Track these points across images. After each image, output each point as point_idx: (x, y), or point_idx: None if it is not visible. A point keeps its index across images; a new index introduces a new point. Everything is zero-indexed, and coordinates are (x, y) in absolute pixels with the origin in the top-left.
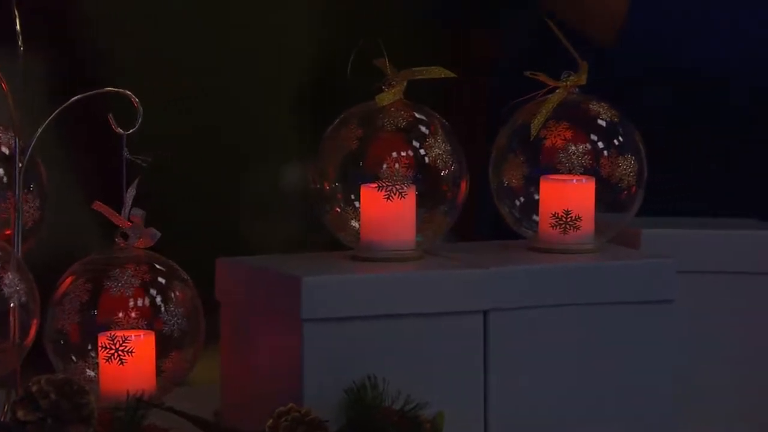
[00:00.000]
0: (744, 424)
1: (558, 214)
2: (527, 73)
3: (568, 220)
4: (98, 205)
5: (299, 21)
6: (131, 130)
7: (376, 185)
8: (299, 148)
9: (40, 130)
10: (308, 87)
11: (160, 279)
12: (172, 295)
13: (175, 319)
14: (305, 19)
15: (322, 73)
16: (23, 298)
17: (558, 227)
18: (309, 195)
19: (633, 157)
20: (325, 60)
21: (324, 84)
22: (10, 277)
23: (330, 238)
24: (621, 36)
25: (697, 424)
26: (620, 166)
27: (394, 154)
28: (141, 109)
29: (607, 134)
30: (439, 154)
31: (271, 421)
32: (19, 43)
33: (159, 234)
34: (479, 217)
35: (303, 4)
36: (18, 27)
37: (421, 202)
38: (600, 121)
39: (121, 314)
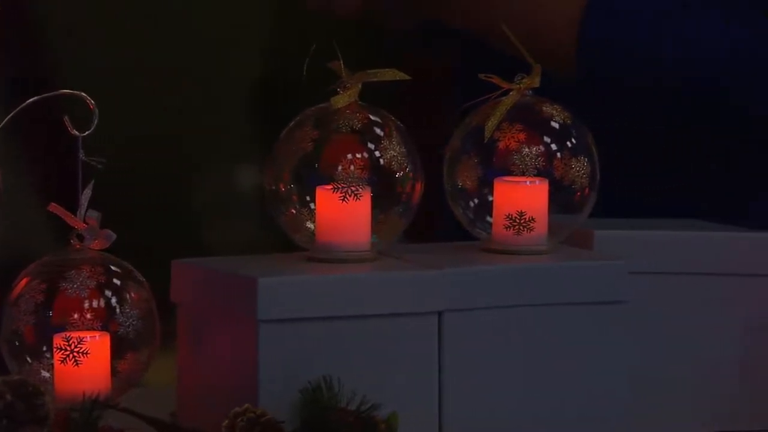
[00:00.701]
0: (697, 423)
1: (512, 215)
2: (481, 76)
3: (522, 221)
4: (54, 207)
5: (252, 22)
6: (87, 132)
7: (331, 187)
8: (252, 149)
9: None
10: (261, 89)
11: (115, 280)
12: (128, 296)
13: (131, 320)
14: (257, 20)
15: (275, 75)
16: None
17: (512, 228)
18: (264, 197)
19: (586, 159)
20: (278, 62)
21: (277, 86)
22: None
23: (285, 239)
24: (581, 67)
25: (650, 424)
26: (573, 168)
27: (350, 155)
28: (96, 111)
29: (560, 136)
30: (394, 155)
31: (227, 421)
32: None
33: (114, 236)
34: (436, 218)
35: (255, 6)
36: None
37: (377, 203)
38: (553, 124)
39: (76, 315)
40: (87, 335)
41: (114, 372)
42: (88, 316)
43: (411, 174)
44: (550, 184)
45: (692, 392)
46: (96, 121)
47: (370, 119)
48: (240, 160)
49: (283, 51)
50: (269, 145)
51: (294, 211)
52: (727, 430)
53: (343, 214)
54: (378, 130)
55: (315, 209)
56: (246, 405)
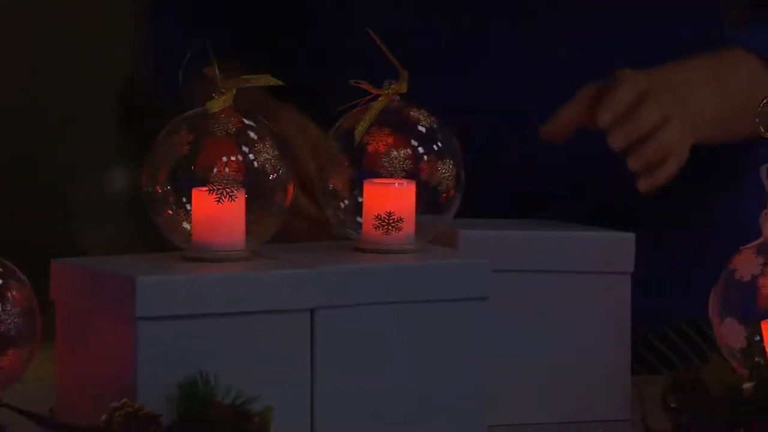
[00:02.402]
0: (553, 414)
1: (381, 215)
2: (351, 82)
3: (391, 221)
4: None
5: (127, 23)
6: None
7: (206, 188)
8: (126, 151)
9: None
10: (136, 91)
11: None
12: (9, 295)
13: (12, 318)
14: (131, 21)
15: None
16: None
17: (381, 228)
18: (141, 198)
19: (451, 162)
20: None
21: (152, 89)
22: None
23: (162, 239)
24: None
25: (509, 414)
26: (439, 170)
27: (224, 158)
28: None
29: (426, 140)
30: (267, 158)
31: (105, 416)
32: None
33: None
34: None
35: (129, 8)
36: None
37: (250, 204)
38: (420, 127)
39: None
40: None
41: None
42: None
43: (284, 176)
44: (418, 186)
45: (548, 383)
46: None
47: (245, 123)
48: (114, 162)
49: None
50: (143, 147)
51: (171, 212)
52: (580, 420)
53: (218, 214)
54: (252, 134)
55: (191, 210)
56: (124, 399)
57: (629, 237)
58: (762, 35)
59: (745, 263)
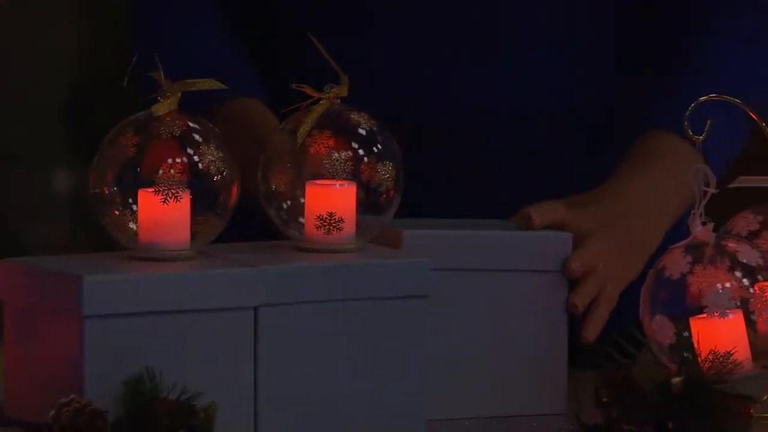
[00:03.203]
0: (490, 408)
1: (322, 216)
2: (293, 85)
3: (332, 221)
4: None
5: (73, 22)
6: None
7: (152, 189)
8: (70, 152)
9: None
10: (80, 94)
11: None
12: None
13: None
14: (76, 23)
15: (93, 82)
16: None
17: (322, 228)
18: (89, 199)
19: (391, 164)
20: (98, 68)
21: (96, 92)
22: None
23: (108, 239)
24: None
25: (447, 408)
26: (379, 172)
27: (170, 160)
28: None
29: (366, 142)
30: (212, 160)
31: (53, 412)
32: None
33: None
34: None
35: (73, 10)
36: None
37: (195, 205)
38: (360, 130)
39: None
40: None
41: None
42: None
43: (228, 177)
44: (358, 187)
45: (489, 379)
46: None
47: (189, 126)
48: (58, 163)
49: (101, 57)
50: (87, 148)
51: (117, 213)
52: (519, 414)
53: (163, 215)
54: (197, 136)
55: (137, 211)
56: (72, 396)
57: (566, 237)
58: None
59: (675, 262)
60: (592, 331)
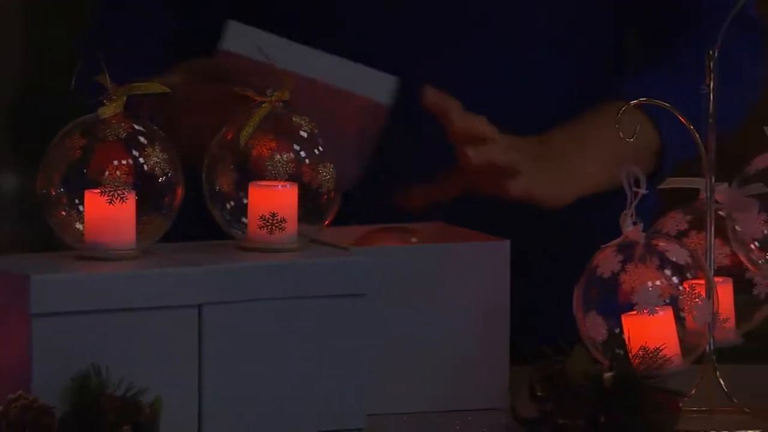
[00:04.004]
0: (430, 403)
1: (265, 216)
2: (236, 89)
3: (274, 221)
4: None
5: (20, 26)
6: None
7: (98, 190)
8: (14, 153)
9: None
10: (25, 96)
11: None
12: None
13: None
14: (25, 25)
15: (39, 84)
16: None
17: (265, 228)
18: (36, 200)
19: (331, 165)
20: (43, 71)
21: (42, 95)
22: None
23: (52, 240)
24: None
25: (388, 403)
26: (320, 173)
27: (116, 162)
28: None
29: (308, 144)
30: (156, 162)
31: (1, 407)
32: None
33: None
34: (197, 219)
35: (21, 12)
36: None
37: (141, 206)
38: (302, 133)
39: None
40: None
41: None
42: None
43: (172, 179)
44: (300, 188)
45: (427, 373)
46: None
47: (135, 128)
48: (2, 164)
49: (47, 60)
50: (32, 149)
51: (64, 213)
52: (457, 409)
53: (109, 215)
54: (142, 139)
55: (83, 211)
56: (19, 392)
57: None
58: (650, 83)
59: (606, 261)
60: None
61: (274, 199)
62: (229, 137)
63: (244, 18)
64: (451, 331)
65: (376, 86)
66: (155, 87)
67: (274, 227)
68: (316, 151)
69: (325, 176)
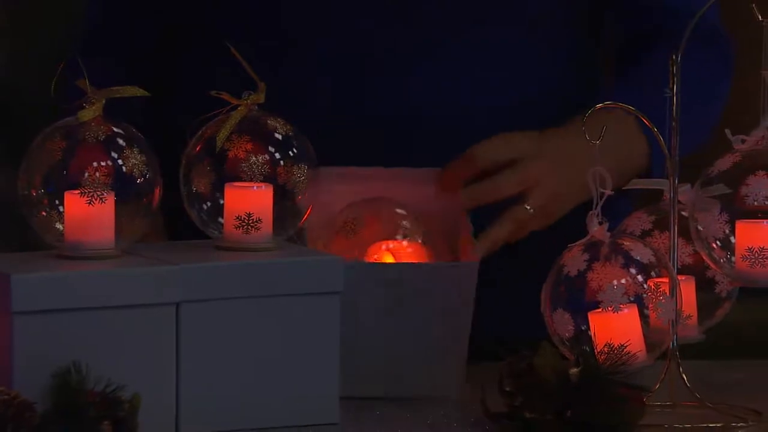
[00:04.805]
0: (395, 390)
1: (241, 216)
2: (212, 93)
3: (250, 221)
4: None
5: (4, 24)
6: None
7: (78, 192)
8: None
9: None
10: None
11: None
12: None
13: None
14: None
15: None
16: None
17: (241, 228)
18: (18, 200)
19: (306, 166)
20: (21, 74)
21: (23, 97)
22: None
23: (30, 240)
24: None
25: (357, 387)
26: (295, 174)
27: (95, 163)
28: None
29: (282, 146)
30: (135, 163)
31: None
32: None
33: None
34: (176, 219)
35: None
36: None
37: (120, 206)
38: (276, 135)
39: None
40: None
41: None
42: None
43: (150, 180)
44: (275, 189)
45: (390, 362)
46: None
47: (114, 131)
48: None
49: (28, 63)
50: (11, 151)
51: (45, 214)
52: (418, 396)
53: (89, 215)
54: (121, 141)
55: (64, 212)
56: (1, 388)
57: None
58: (626, 90)
59: (573, 259)
60: (480, 246)
61: (249, 200)
62: (207, 139)
63: (232, 19)
64: (409, 317)
65: None
66: (133, 90)
67: (249, 227)
68: (290, 152)
69: (299, 177)
